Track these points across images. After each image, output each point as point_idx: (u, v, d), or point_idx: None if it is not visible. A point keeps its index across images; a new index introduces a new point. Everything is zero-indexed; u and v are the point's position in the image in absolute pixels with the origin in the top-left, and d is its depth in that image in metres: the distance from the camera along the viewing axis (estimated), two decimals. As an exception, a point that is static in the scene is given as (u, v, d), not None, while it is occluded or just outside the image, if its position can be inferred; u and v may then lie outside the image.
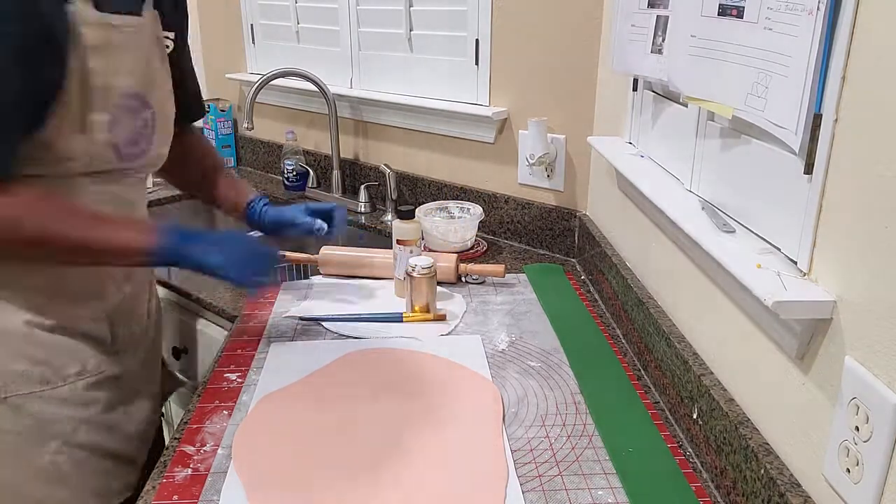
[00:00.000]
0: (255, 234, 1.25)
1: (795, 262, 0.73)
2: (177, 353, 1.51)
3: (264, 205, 1.26)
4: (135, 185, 1.06)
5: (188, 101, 1.18)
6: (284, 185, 2.09)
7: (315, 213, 1.23)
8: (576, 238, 1.55)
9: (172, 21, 1.08)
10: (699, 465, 0.89)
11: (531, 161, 1.52)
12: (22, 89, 0.85)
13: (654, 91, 1.18)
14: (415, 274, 1.22)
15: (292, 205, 1.28)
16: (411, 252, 1.30)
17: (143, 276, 1.15)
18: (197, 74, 1.24)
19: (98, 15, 0.90)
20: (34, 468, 0.97)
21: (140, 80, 0.98)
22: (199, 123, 1.32)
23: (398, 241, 1.32)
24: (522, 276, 1.44)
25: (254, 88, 1.78)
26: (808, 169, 0.69)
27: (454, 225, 1.54)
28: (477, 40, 1.62)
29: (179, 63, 1.13)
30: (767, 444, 0.77)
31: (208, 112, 2.11)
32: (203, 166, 1.28)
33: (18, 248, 0.90)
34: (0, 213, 0.87)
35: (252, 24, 2.22)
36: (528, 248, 1.64)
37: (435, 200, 1.68)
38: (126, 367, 1.09)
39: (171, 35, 1.08)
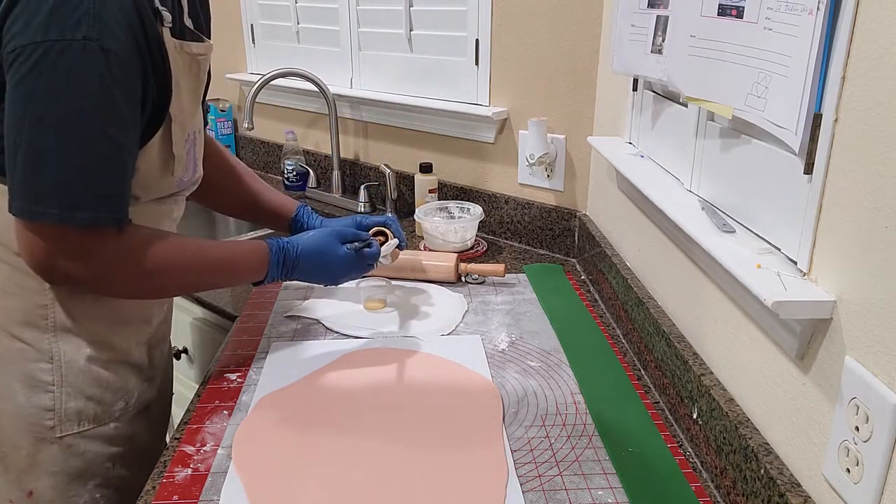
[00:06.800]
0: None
1: (795, 262, 0.73)
2: (177, 353, 1.51)
3: (314, 217, 1.25)
4: (181, 204, 1.07)
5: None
6: (284, 185, 2.09)
7: (367, 228, 1.21)
8: (576, 238, 1.55)
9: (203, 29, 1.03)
10: (699, 464, 0.89)
11: (531, 161, 1.52)
12: (134, 134, 0.85)
13: (654, 91, 1.18)
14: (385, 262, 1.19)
15: (341, 218, 1.25)
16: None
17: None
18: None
19: (179, 44, 0.89)
20: None
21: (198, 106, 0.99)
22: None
23: None
24: (522, 276, 1.44)
25: (254, 88, 1.78)
26: (808, 169, 0.69)
27: (454, 225, 1.54)
28: (477, 40, 1.62)
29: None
30: (767, 444, 0.77)
31: (208, 112, 2.11)
32: (229, 173, 1.25)
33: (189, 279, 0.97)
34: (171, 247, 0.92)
35: (252, 24, 2.22)
36: (528, 248, 1.64)
37: (435, 200, 1.68)
38: (153, 393, 1.10)
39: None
